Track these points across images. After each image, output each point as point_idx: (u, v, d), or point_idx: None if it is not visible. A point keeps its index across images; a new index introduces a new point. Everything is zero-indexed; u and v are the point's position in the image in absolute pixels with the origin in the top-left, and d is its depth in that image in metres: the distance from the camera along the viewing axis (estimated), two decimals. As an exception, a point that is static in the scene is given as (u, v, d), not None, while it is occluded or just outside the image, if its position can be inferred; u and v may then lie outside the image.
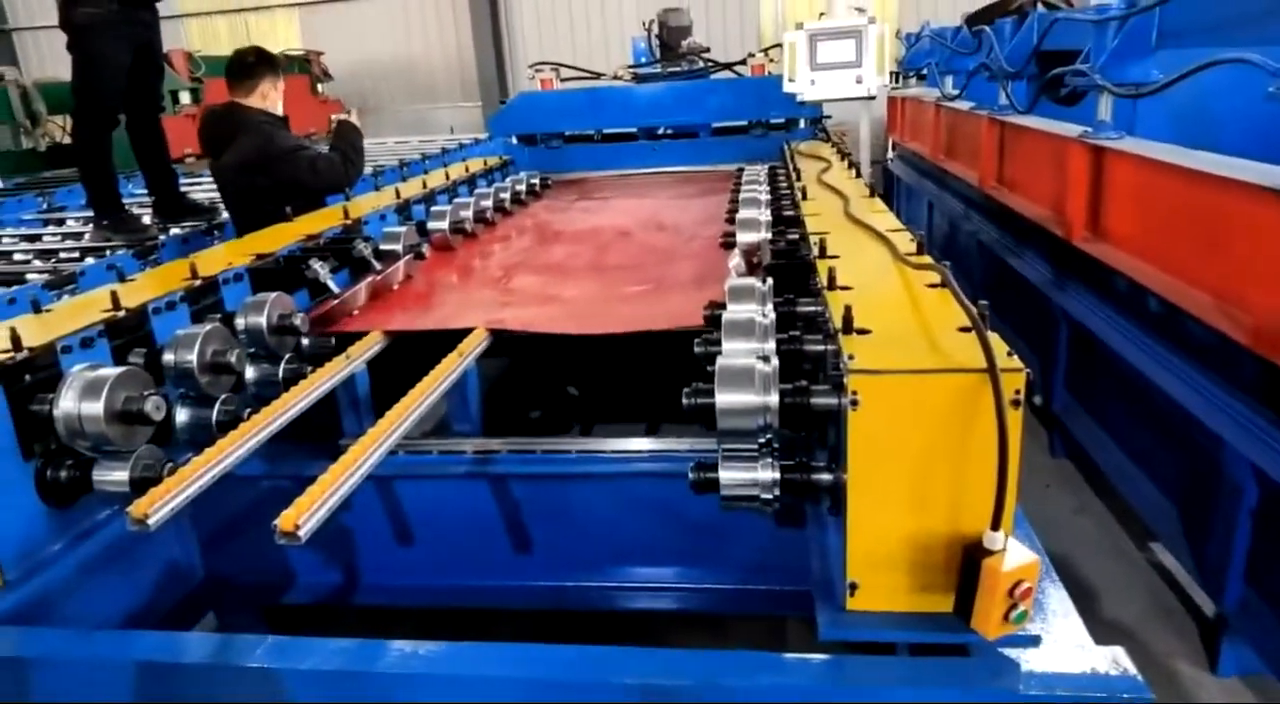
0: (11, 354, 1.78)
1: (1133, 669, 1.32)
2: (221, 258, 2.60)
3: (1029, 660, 1.37)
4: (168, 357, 2.04)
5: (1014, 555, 1.33)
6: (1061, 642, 1.42)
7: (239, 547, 2.48)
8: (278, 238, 2.90)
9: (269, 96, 3.88)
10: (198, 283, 2.34)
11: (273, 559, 2.56)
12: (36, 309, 2.12)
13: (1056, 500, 3.83)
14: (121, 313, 2.07)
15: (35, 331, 1.90)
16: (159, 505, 1.60)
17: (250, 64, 3.88)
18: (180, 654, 1.59)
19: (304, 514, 1.50)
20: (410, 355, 2.49)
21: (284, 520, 1.47)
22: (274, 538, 1.47)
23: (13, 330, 1.81)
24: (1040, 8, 4.82)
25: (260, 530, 2.44)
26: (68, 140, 9.53)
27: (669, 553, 2.45)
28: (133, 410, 1.79)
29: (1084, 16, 3.59)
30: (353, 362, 2.32)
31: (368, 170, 6.03)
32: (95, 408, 1.75)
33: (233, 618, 2.58)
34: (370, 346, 2.47)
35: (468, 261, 3.58)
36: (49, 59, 14.31)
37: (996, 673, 1.34)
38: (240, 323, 2.29)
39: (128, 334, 2.08)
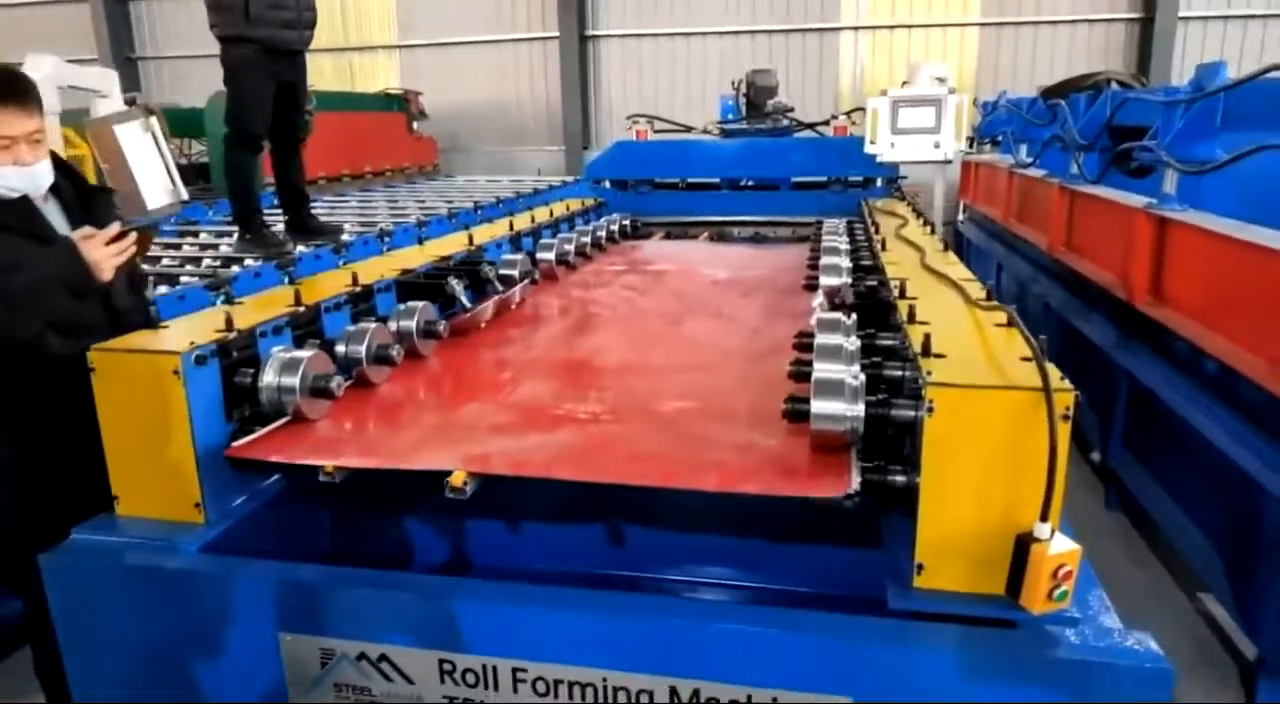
0: (225, 333, 2.17)
1: (1156, 647, 1.57)
2: (376, 269, 3.00)
3: (1068, 635, 1.63)
4: (340, 347, 2.42)
5: (1058, 543, 1.59)
6: (1098, 626, 1.68)
7: (364, 522, 2.83)
8: (417, 256, 3.31)
9: None
10: (357, 289, 2.73)
11: (390, 536, 2.89)
12: (229, 301, 2.52)
13: (1109, 550, 4.00)
14: (302, 308, 2.46)
15: (239, 318, 2.29)
16: (341, 463, 1.98)
17: None
18: (341, 585, 1.93)
19: (467, 479, 1.85)
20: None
21: (455, 477, 1.82)
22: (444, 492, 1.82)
23: (227, 314, 2.21)
24: (1114, 86, 5.08)
25: (388, 507, 2.81)
26: (183, 161, 10.31)
27: (737, 555, 2.70)
28: (321, 386, 2.16)
29: (1154, 98, 3.86)
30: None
31: (468, 204, 6.50)
32: (293, 381, 2.12)
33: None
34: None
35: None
36: (169, 86, 15.38)
37: (1040, 640, 1.61)
38: (392, 326, 2.67)
39: (306, 326, 2.47)
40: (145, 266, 4.57)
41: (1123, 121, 4.43)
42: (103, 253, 2.22)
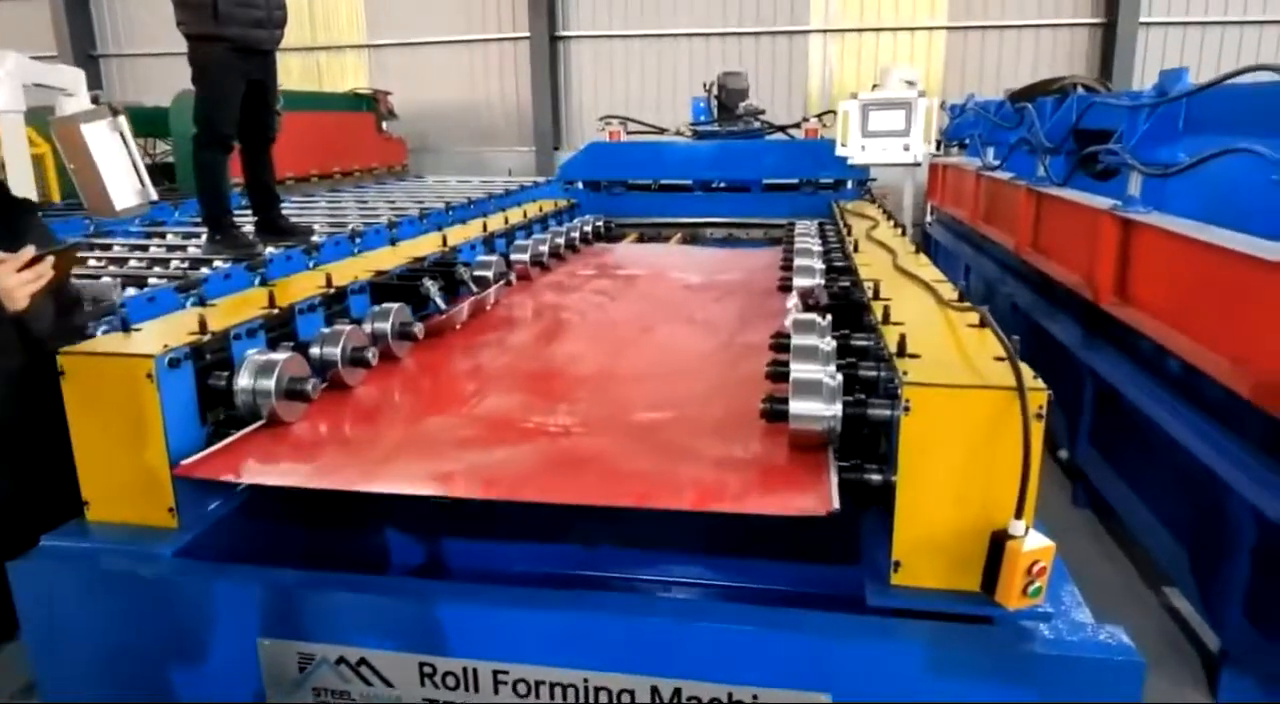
0: (199, 336, 2.14)
1: (1128, 640, 1.61)
2: (349, 271, 2.98)
3: (1042, 630, 1.66)
4: (314, 349, 2.40)
5: (1033, 540, 1.62)
6: (1071, 621, 1.71)
7: (342, 525, 2.81)
8: (390, 257, 3.29)
9: None
10: (331, 291, 2.71)
11: (367, 539, 2.88)
12: (202, 303, 2.49)
13: (1077, 546, 4.06)
14: (275, 310, 2.44)
15: (213, 321, 2.27)
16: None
17: None
18: (319, 589, 1.92)
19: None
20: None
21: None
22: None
23: (201, 317, 2.18)
24: (1080, 90, 5.16)
25: (365, 511, 2.80)
26: (148, 161, 10.15)
27: (716, 555, 2.72)
28: (296, 389, 2.14)
29: (1118, 102, 3.94)
30: None
31: (439, 204, 6.46)
32: (269, 384, 2.11)
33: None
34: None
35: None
36: (131, 85, 15.15)
37: (1016, 635, 1.64)
38: (367, 328, 2.66)
39: (279, 328, 2.44)
40: (113, 268, 4.50)
41: (1088, 125, 4.50)
42: (13, 280, 2.01)
